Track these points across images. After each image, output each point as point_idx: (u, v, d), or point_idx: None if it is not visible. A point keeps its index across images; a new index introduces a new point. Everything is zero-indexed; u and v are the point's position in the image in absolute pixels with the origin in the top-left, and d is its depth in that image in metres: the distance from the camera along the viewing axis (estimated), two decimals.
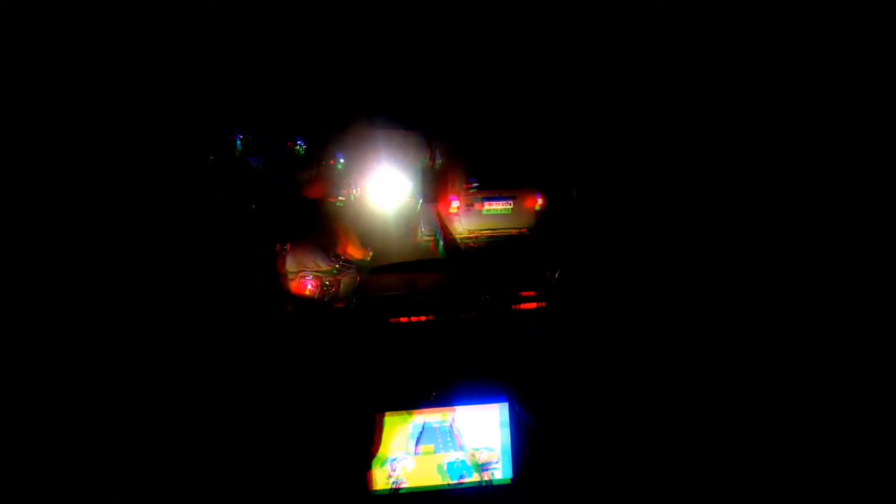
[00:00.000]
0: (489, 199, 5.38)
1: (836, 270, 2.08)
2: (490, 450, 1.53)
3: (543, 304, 2.07)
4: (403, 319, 2.01)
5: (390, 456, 1.52)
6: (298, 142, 9.59)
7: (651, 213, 3.21)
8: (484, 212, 5.38)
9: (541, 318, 2.01)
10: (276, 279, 2.71)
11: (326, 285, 2.66)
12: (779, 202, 2.54)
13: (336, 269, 2.68)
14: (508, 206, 5.37)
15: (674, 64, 3.38)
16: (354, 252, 2.85)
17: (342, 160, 11.03)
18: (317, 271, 2.64)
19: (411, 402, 1.50)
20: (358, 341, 1.91)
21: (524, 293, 2.12)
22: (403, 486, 1.47)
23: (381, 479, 1.51)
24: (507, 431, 1.54)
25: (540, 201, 5.31)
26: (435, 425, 1.50)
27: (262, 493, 1.52)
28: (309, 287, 2.64)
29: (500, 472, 1.50)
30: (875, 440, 1.58)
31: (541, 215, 5.28)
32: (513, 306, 2.04)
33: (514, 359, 1.75)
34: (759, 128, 2.87)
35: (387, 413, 1.51)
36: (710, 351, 1.89)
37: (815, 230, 2.28)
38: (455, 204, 5.42)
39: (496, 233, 5.39)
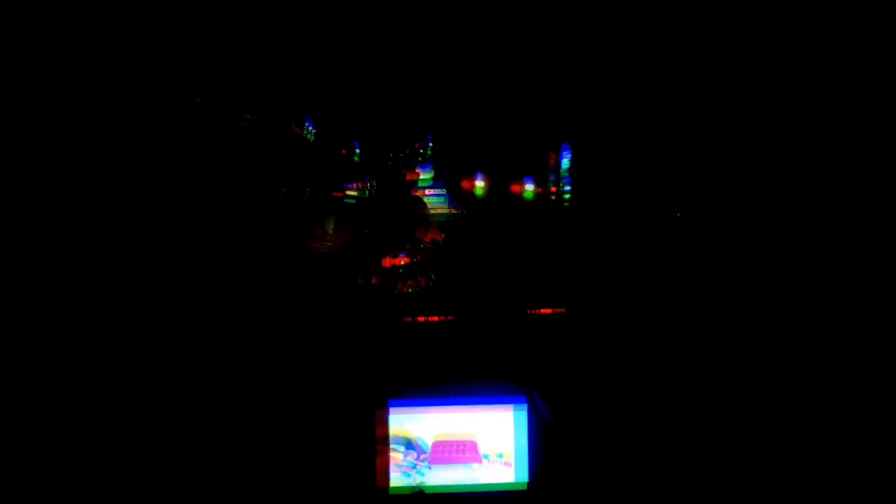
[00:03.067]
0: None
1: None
2: (506, 451, 1.47)
3: (562, 309, 2.12)
4: (420, 319, 2.03)
5: (403, 456, 1.44)
6: (307, 124, 8.15)
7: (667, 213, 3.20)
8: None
9: (559, 322, 2.06)
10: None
11: (414, 262, 3.34)
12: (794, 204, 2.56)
13: (420, 248, 3.40)
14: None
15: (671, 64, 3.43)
16: (435, 235, 3.57)
17: (358, 150, 9.47)
18: (404, 251, 3.35)
19: (424, 400, 1.41)
20: (374, 337, 1.92)
21: (541, 298, 2.16)
22: (416, 484, 1.41)
23: (394, 477, 1.42)
24: (523, 433, 1.47)
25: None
26: (449, 425, 1.43)
27: (263, 487, 1.51)
28: (402, 263, 3.31)
29: (517, 474, 1.44)
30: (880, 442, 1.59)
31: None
32: (529, 310, 2.10)
33: (533, 360, 1.69)
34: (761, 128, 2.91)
35: (398, 409, 1.44)
36: (736, 354, 1.87)
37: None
38: None
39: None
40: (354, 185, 8.85)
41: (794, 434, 1.69)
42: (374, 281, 3.55)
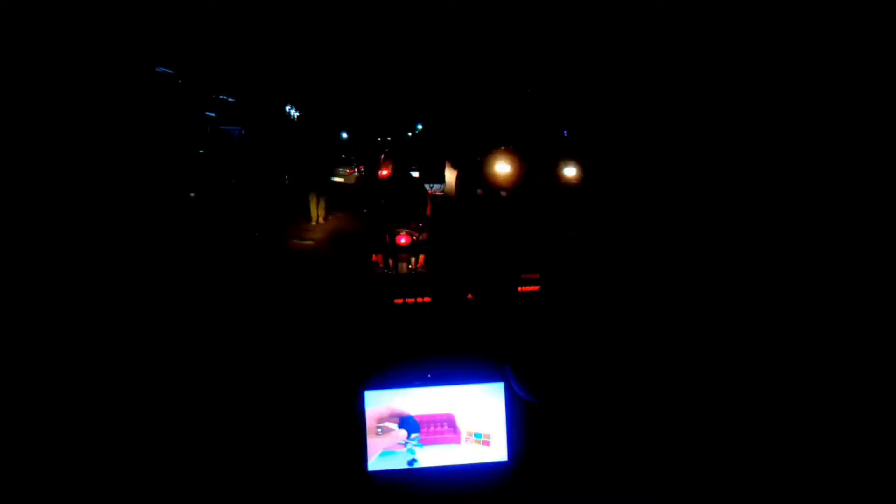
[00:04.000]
0: None
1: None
2: (487, 430, 1.51)
3: (536, 287, 2.14)
4: (409, 300, 2.03)
5: (390, 435, 1.48)
6: (291, 110, 7.95)
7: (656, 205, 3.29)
8: None
9: (539, 300, 2.08)
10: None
11: (415, 240, 3.76)
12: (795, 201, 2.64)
13: (420, 227, 3.78)
14: None
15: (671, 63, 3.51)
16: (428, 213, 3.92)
17: (344, 134, 9.29)
18: (408, 230, 3.75)
19: (406, 380, 1.45)
20: (361, 318, 1.96)
21: (526, 275, 2.14)
22: (408, 464, 1.47)
23: (374, 454, 1.47)
24: (503, 411, 1.51)
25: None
26: (431, 405, 1.49)
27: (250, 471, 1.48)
28: (403, 240, 3.72)
29: (498, 451, 1.51)
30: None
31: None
32: (518, 288, 2.08)
33: (513, 339, 1.71)
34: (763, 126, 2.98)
35: (383, 390, 1.46)
36: (714, 342, 1.91)
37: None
38: None
39: None
40: (342, 169, 8.73)
41: (770, 409, 1.73)
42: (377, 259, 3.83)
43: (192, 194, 4.67)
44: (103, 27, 3.54)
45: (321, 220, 5.88)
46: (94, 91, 3.49)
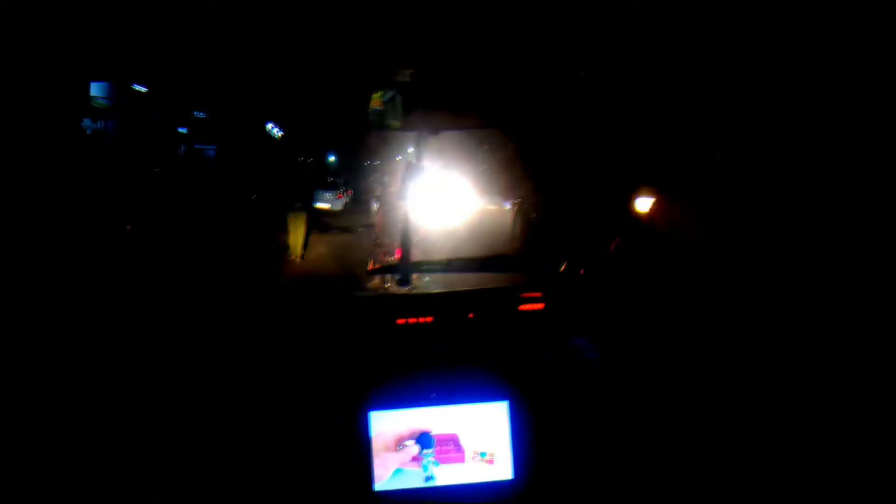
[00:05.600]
0: None
1: None
2: (492, 449, 1.56)
3: (541, 305, 2.12)
4: (412, 320, 2.00)
5: (393, 455, 1.54)
6: (273, 127, 7.32)
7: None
8: None
9: (544, 319, 2.08)
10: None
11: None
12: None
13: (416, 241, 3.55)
14: None
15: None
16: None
17: (332, 157, 8.64)
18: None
19: (411, 400, 1.53)
20: (362, 340, 1.91)
21: (526, 294, 2.14)
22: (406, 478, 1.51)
23: (382, 473, 1.53)
24: (509, 431, 1.57)
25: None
26: (434, 425, 1.54)
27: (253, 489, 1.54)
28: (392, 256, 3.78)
29: (502, 471, 1.55)
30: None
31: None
32: (518, 307, 2.09)
33: (517, 359, 1.72)
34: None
35: (386, 411, 1.53)
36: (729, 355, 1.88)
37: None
38: None
39: None
40: (329, 193, 8.07)
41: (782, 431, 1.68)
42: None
43: (128, 227, 3.85)
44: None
45: (299, 256, 5.07)
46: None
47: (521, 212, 4.77)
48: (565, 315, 2.12)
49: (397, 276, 3.55)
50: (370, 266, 4.06)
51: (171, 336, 2.05)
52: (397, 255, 3.74)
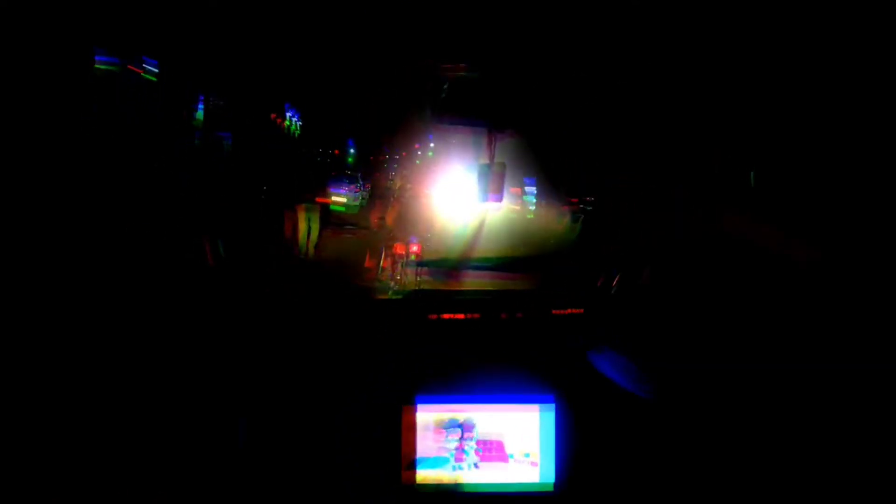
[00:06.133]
0: None
1: None
2: (533, 452, 1.55)
3: (581, 310, 2.11)
4: (446, 316, 2.05)
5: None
6: (289, 114, 7.04)
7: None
8: None
9: (582, 324, 2.06)
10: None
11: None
12: None
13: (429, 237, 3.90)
14: None
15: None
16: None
17: (352, 149, 8.31)
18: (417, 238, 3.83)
19: (453, 396, 1.52)
20: (405, 334, 1.98)
21: (562, 299, 2.17)
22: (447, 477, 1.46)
23: (421, 474, 1.52)
24: (551, 434, 1.54)
25: None
26: (476, 423, 1.51)
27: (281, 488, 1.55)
28: (414, 248, 3.84)
29: (542, 475, 1.51)
30: None
31: None
32: (553, 311, 2.11)
33: (560, 360, 1.75)
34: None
35: (427, 405, 1.53)
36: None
37: None
38: None
39: None
40: (345, 189, 7.75)
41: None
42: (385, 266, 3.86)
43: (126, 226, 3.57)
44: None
45: (311, 252, 4.75)
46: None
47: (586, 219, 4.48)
48: (603, 322, 2.15)
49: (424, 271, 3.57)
50: (382, 262, 4.06)
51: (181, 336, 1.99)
52: (416, 250, 3.92)
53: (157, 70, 4.60)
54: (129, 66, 4.09)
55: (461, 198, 4.68)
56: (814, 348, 2.30)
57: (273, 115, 6.14)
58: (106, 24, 3.68)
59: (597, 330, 2.09)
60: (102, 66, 3.82)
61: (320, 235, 4.85)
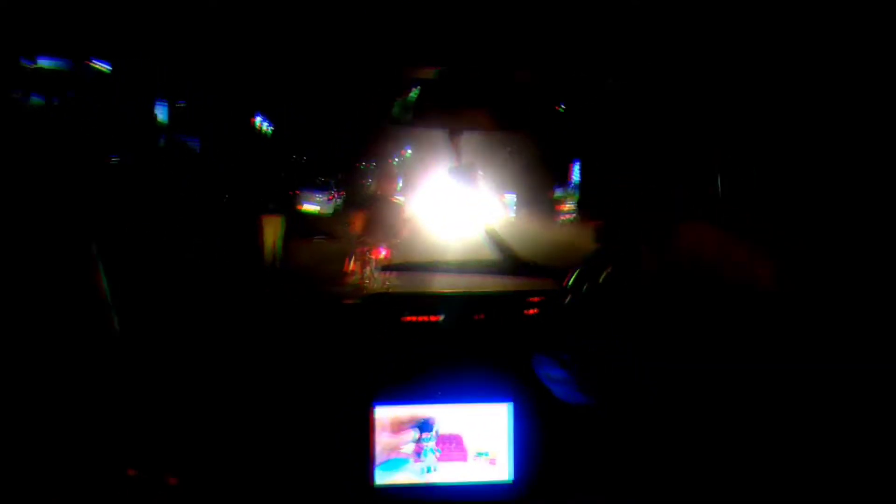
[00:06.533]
0: None
1: None
2: (492, 450, 1.60)
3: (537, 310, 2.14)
4: (414, 318, 2.05)
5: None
6: (259, 118, 6.81)
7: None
8: None
9: (542, 322, 2.09)
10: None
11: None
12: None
13: (397, 243, 4.02)
14: None
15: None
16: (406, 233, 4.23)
17: (325, 155, 8.08)
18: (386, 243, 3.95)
19: (412, 397, 1.57)
20: (368, 337, 1.93)
21: (532, 298, 2.15)
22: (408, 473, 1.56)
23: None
24: (510, 432, 1.60)
25: None
26: (435, 423, 1.59)
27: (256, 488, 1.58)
28: (383, 253, 3.94)
29: (502, 472, 1.59)
30: None
31: None
32: (524, 311, 2.14)
33: (521, 360, 1.75)
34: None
35: (386, 406, 1.55)
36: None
37: None
38: None
39: None
40: (317, 195, 7.51)
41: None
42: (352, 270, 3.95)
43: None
44: None
45: (277, 260, 4.51)
46: None
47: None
48: (563, 320, 2.02)
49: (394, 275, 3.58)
50: (348, 266, 4.04)
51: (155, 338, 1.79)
52: (385, 255, 3.97)
53: (110, 70, 4.36)
54: (84, 63, 3.85)
55: (435, 201, 4.78)
56: (804, 348, 2.22)
57: (244, 120, 5.93)
58: (56, 25, 3.48)
59: (554, 333, 2.00)
60: (50, 66, 3.59)
61: (288, 244, 4.63)
